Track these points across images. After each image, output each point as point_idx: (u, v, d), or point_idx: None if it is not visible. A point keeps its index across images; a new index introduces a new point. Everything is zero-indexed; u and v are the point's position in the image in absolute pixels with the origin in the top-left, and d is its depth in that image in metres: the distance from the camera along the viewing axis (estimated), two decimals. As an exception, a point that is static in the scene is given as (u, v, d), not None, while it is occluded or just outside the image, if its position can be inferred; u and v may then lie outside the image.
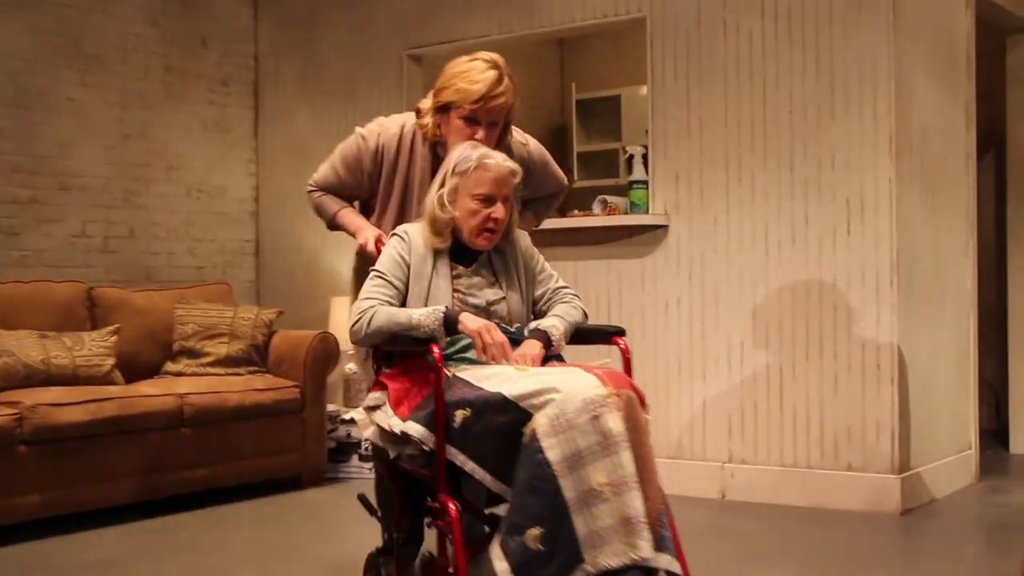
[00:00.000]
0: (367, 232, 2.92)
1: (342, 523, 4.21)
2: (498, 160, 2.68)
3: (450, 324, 2.55)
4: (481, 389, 2.43)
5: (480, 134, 2.76)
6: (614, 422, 2.31)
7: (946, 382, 4.64)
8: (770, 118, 4.39)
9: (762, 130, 4.41)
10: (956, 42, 4.73)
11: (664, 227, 4.62)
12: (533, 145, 3.07)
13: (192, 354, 4.84)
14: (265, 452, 4.69)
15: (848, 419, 4.22)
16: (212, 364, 4.81)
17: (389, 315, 2.59)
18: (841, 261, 4.24)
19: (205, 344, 4.85)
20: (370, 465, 4.99)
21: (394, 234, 2.77)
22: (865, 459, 4.19)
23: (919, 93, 4.38)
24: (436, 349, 2.47)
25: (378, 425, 2.59)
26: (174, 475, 4.35)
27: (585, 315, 2.82)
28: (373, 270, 2.71)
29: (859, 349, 4.19)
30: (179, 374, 4.78)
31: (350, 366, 5.19)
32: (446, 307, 2.58)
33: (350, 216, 3.02)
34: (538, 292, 2.84)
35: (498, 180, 2.67)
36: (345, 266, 5.80)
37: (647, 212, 4.66)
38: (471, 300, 2.69)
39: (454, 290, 2.69)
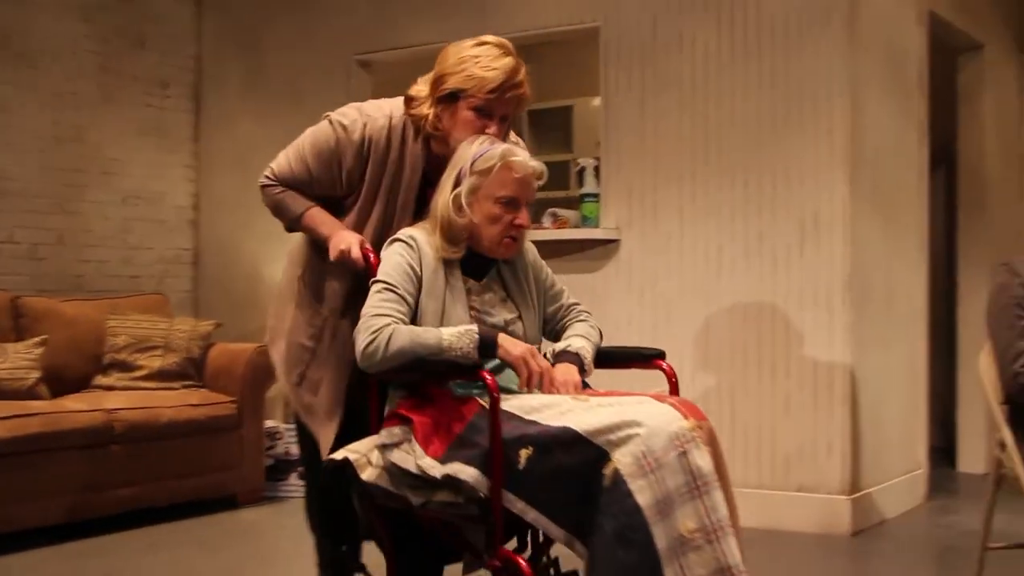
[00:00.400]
0: (347, 236, 2.49)
1: (279, 544, 4.07)
2: (524, 158, 2.37)
3: (488, 347, 2.21)
4: (538, 423, 2.10)
5: (492, 128, 2.42)
6: (703, 459, 2.04)
7: (897, 401, 4.61)
8: (724, 132, 4.32)
9: (716, 144, 4.34)
10: (909, 59, 4.72)
11: (616, 242, 4.53)
12: (522, 144, 2.79)
13: (124, 367, 4.64)
14: (200, 470, 4.51)
15: (800, 439, 4.16)
16: (145, 378, 4.62)
17: (412, 335, 2.22)
18: (794, 279, 4.18)
19: (138, 357, 4.66)
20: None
21: (397, 240, 2.38)
22: (816, 480, 4.13)
23: (873, 109, 4.34)
24: (488, 376, 2.13)
25: (395, 466, 2.22)
26: (102, 495, 4.15)
27: (601, 336, 2.55)
28: (378, 281, 2.32)
29: (811, 368, 4.14)
30: (110, 388, 4.58)
31: (291, 380, 5.02)
32: (478, 327, 2.25)
33: (321, 216, 2.57)
34: (550, 309, 2.54)
35: (523, 181, 2.36)
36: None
37: (598, 226, 4.57)
38: (488, 319, 2.36)
39: (470, 307, 2.36)
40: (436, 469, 2.13)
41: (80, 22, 5.33)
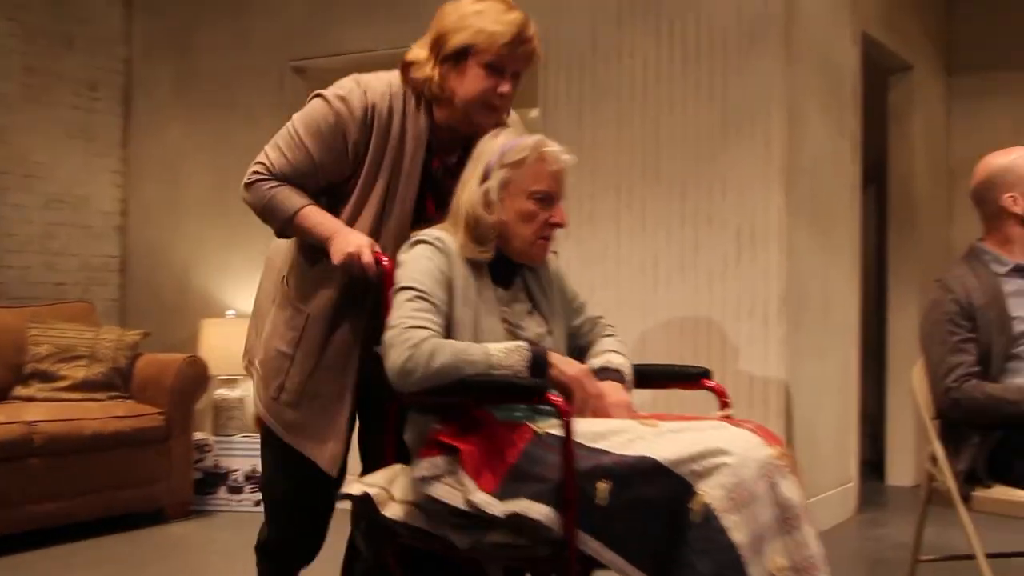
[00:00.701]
0: (353, 238, 2.18)
1: (209, 559, 3.96)
2: (557, 150, 2.16)
3: (540, 366, 1.98)
4: (609, 452, 1.86)
5: (505, 86, 2.23)
6: (791, 490, 1.86)
7: (830, 415, 4.66)
8: (663, 143, 4.34)
9: (654, 155, 4.35)
10: (843, 77, 4.79)
11: (553, 252, 4.50)
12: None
13: (46, 377, 4.49)
14: (126, 484, 4.37)
15: (735, 452, 4.16)
16: (68, 389, 4.47)
17: (456, 351, 1.97)
18: (731, 292, 4.20)
19: (61, 367, 4.50)
20: (240, 498, 4.74)
21: (423, 241, 2.13)
22: (751, 493, 4.14)
23: (810, 124, 4.40)
24: (556, 398, 1.88)
25: (436, 502, 1.96)
26: (21, 510, 3.99)
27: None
28: (408, 288, 2.05)
29: (747, 382, 4.16)
30: (30, 399, 4.42)
31: (220, 391, 4.91)
32: (529, 343, 2.03)
33: (317, 215, 2.24)
34: (575, 323, 2.31)
35: (558, 175, 2.15)
36: (219, 285, 5.58)
37: (536, 237, 4.54)
38: (521, 333, 2.13)
39: (502, 319, 2.12)
40: (496, 507, 1.88)
41: (4, 20, 5.17)
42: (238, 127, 5.32)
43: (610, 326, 2.38)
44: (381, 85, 2.29)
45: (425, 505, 2.00)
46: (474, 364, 1.96)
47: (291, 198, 2.25)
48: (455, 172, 2.28)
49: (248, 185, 2.28)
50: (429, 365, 1.95)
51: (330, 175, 2.28)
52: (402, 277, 2.09)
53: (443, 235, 2.14)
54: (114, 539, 4.20)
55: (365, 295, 2.25)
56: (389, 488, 2.06)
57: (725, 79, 4.22)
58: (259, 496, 4.66)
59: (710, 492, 1.78)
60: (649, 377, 2.32)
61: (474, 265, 2.13)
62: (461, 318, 2.07)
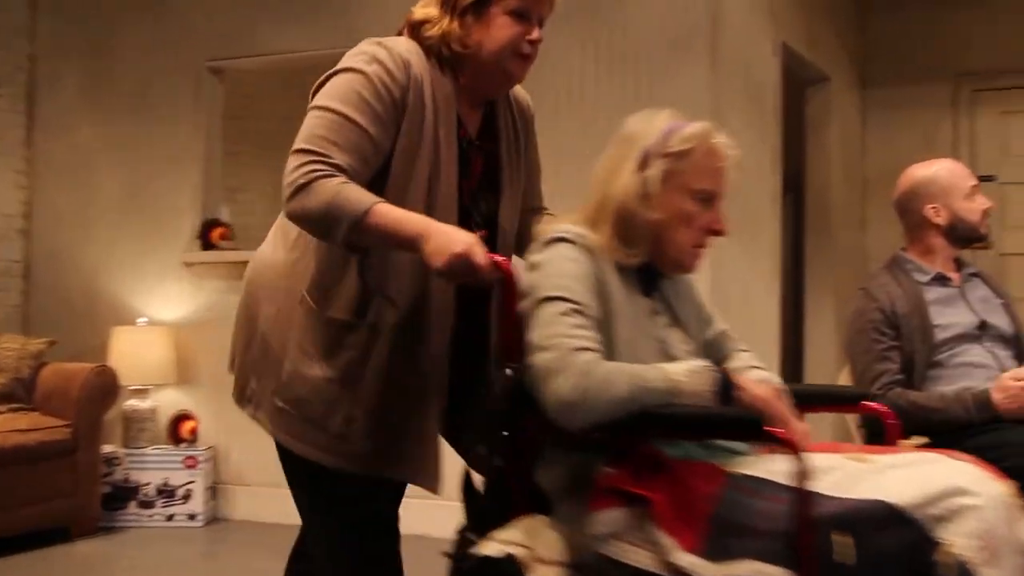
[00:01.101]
0: (456, 234, 1.77)
1: (117, 581, 3.80)
2: (726, 143, 1.86)
3: (728, 390, 1.67)
4: (831, 497, 1.57)
5: (535, 33, 2.01)
6: None
7: (751, 422, 4.69)
8: (591, 151, 4.28)
9: (582, 163, 4.30)
10: (764, 86, 4.85)
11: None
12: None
13: (-58, 389, 4.28)
14: (29, 500, 4.18)
15: (660, 460, 4.16)
16: (-33, 400, 4.27)
17: (632, 376, 1.65)
18: (655, 300, 4.20)
19: (-41, 377, 4.30)
20: (151, 512, 4.58)
21: (562, 238, 1.78)
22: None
23: (733, 132, 4.39)
24: (784, 433, 1.60)
25: (618, 564, 1.65)
26: (-86, 529, 3.79)
27: None
28: (556, 297, 1.71)
29: (672, 389, 4.16)
30: (-75, 412, 4.21)
31: (131, 402, 4.73)
32: (712, 364, 1.73)
33: (397, 210, 1.82)
34: (707, 335, 2.00)
35: (723, 173, 1.84)
36: (132, 291, 5.37)
37: (461, 244, 4.48)
38: (670, 351, 1.82)
39: (652, 336, 1.83)
40: (710, 570, 1.56)
41: (-102, 12, 4.92)
42: (152, 129, 5.14)
43: (740, 340, 2.08)
44: (403, 43, 2.01)
45: (592, 566, 1.68)
46: (655, 392, 1.64)
47: (361, 193, 1.81)
48: (479, 145, 2.10)
49: (303, 187, 1.81)
50: (606, 395, 1.63)
51: (383, 151, 1.92)
52: (545, 284, 1.74)
53: (585, 232, 1.80)
54: (17, 559, 4.02)
55: (445, 293, 1.95)
56: (532, 546, 1.71)
57: (651, 87, 4.23)
58: (171, 511, 4.56)
59: (959, 542, 1.51)
60: (803, 399, 1.95)
61: (621, 270, 1.81)
62: (619, 335, 1.74)
